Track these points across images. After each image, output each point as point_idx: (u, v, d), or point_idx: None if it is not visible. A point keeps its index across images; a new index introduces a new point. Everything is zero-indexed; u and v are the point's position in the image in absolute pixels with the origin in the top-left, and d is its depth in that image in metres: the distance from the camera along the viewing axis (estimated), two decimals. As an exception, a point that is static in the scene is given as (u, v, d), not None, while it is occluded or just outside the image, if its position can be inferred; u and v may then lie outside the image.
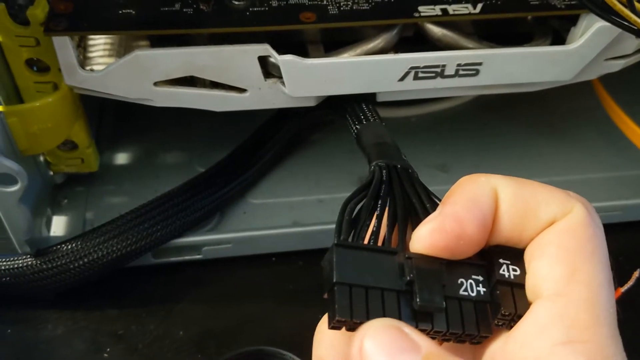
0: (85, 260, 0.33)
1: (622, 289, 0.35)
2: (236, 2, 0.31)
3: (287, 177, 0.40)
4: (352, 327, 0.18)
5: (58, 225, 0.37)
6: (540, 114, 0.45)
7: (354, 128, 0.32)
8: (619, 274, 0.34)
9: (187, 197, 0.35)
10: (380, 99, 0.34)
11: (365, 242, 0.20)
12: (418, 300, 0.19)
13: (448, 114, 0.45)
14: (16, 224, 0.31)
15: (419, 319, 0.19)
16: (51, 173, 0.36)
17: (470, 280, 0.20)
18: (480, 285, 0.20)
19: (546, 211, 0.19)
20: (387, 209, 0.22)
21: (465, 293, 0.20)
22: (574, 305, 0.18)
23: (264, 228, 0.37)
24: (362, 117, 0.32)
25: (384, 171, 0.25)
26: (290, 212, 0.38)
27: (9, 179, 0.29)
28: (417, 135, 0.43)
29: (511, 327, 0.19)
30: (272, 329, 0.34)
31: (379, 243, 0.20)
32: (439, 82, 0.33)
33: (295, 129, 0.39)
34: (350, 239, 0.20)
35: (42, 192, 0.35)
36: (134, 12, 0.30)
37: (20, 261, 0.33)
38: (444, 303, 0.19)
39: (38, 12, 0.29)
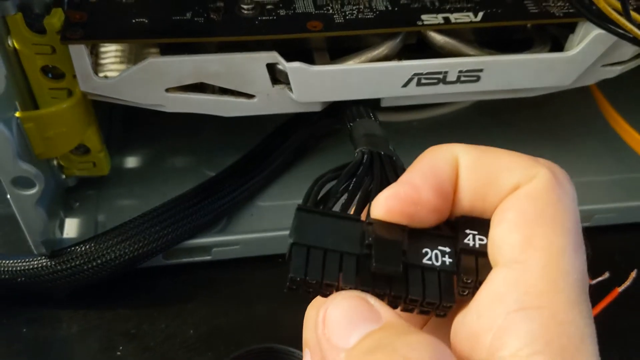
0: (99, 261, 0.34)
1: (620, 289, 0.36)
2: (245, 12, 0.32)
3: (293, 181, 0.41)
4: (309, 289, 0.19)
5: (70, 227, 0.37)
6: (538, 118, 0.46)
7: (349, 126, 0.32)
8: (616, 274, 0.36)
9: (197, 201, 0.36)
10: (384, 104, 0.35)
11: (326, 209, 0.20)
12: (374, 262, 0.19)
13: (449, 118, 0.46)
14: (33, 226, 0.32)
15: (376, 283, 0.19)
16: (64, 176, 0.37)
17: (435, 251, 0.20)
18: (447, 256, 0.20)
19: (509, 177, 0.19)
20: (361, 187, 0.22)
21: (429, 262, 0.19)
22: (530, 271, 0.17)
23: (271, 229, 0.38)
24: (357, 116, 0.33)
25: (366, 155, 0.25)
26: (296, 214, 0.39)
27: (27, 182, 0.30)
28: (418, 139, 0.44)
29: None
30: (279, 328, 0.34)
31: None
32: (441, 88, 0.34)
33: (303, 138, 0.40)
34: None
35: (56, 195, 0.36)
36: (146, 21, 0.31)
37: (35, 262, 0.34)
38: (401, 267, 0.19)
39: (55, 21, 0.29)
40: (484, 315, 0.18)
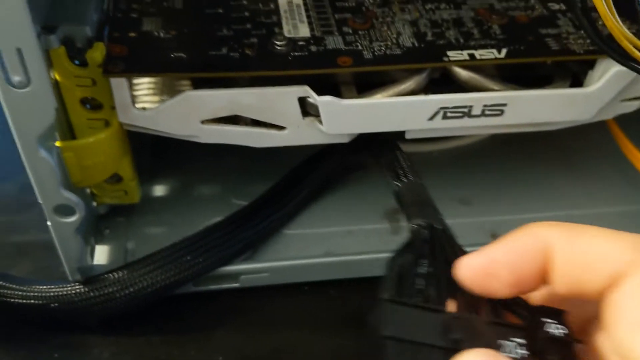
0: (132, 289, 0.34)
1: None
2: (278, 47, 0.33)
3: (319, 210, 0.41)
4: None
5: (101, 254, 0.38)
6: (555, 150, 0.47)
7: (394, 184, 0.33)
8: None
9: (227, 231, 0.36)
10: (409, 136, 0.36)
11: (412, 300, 0.22)
12: None
13: (467, 148, 0.47)
14: (70, 253, 0.33)
15: None
16: (95, 204, 0.38)
17: (512, 343, 0.21)
18: (524, 348, 0.20)
19: (604, 266, 0.20)
20: (432, 274, 0.23)
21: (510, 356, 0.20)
22: None
23: (298, 257, 0.38)
24: (401, 173, 0.34)
25: (426, 231, 0.27)
26: (322, 242, 0.40)
27: (68, 210, 0.31)
28: (438, 169, 0.45)
29: None
30: (308, 355, 0.35)
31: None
32: (466, 122, 0.35)
33: (331, 169, 0.41)
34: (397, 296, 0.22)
35: (88, 223, 0.37)
36: (184, 56, 0.32)
37: (69, 288, 0.34)
38: None
39: (97, 54, 0.30)
40: None
